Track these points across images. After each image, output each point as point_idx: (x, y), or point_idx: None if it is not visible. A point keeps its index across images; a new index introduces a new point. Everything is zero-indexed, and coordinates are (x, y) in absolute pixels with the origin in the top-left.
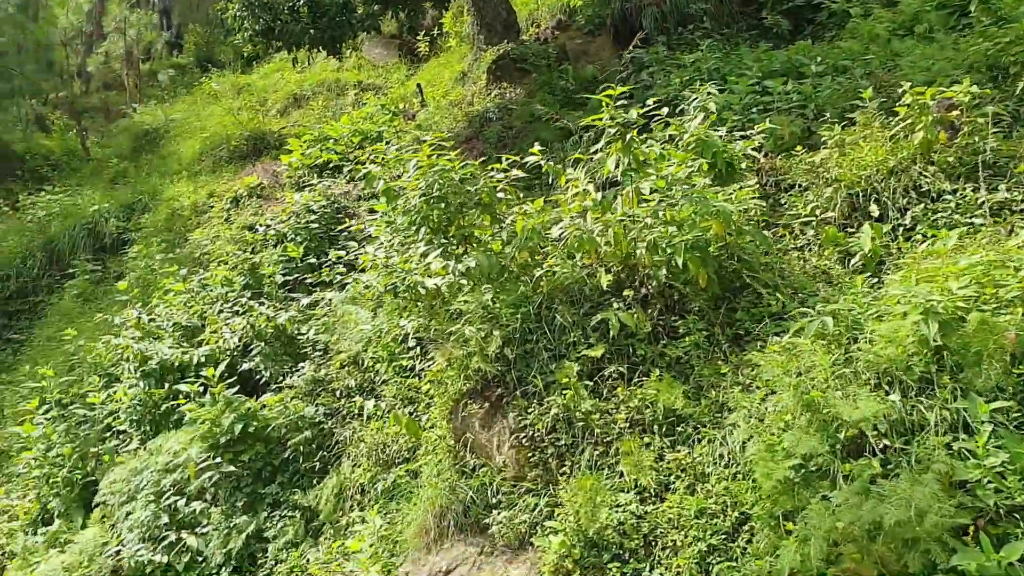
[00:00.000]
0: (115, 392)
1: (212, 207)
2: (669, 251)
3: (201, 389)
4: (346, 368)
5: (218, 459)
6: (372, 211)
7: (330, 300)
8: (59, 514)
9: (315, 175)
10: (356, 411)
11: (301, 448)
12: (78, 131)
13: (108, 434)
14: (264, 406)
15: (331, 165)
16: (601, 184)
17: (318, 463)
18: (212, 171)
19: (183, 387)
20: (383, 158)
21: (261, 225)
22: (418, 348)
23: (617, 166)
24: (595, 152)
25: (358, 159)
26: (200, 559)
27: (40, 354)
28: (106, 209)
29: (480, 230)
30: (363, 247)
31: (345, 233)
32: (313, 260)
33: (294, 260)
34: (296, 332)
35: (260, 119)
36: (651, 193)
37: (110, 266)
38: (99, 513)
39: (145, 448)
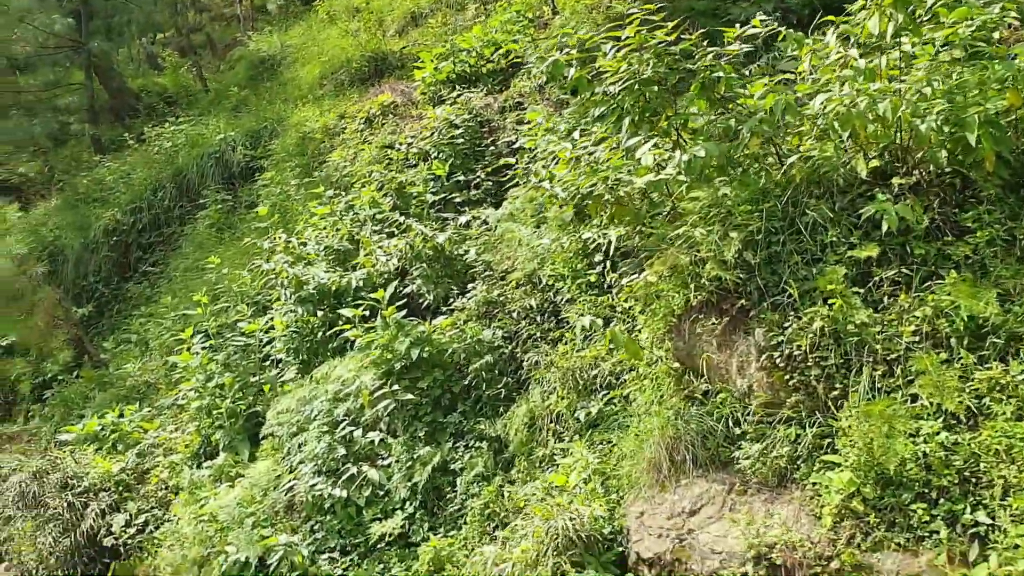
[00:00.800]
0: (270, 320)
1: (345, 128)
2: (951, 129)
3: (366, 314)
4: (522, 288)
5: (395, 387)
6: (521, 122)
7: (486, 218)
8: (224, 447)
9: (449, 89)
10: (540, 333)
11: (483, 374)
12: (192, 65)
13: (266, 363)
14: (437, 330)
15: (466, 79)
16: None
17: (503, 390)
18: (335, 95)
19: (346, 311)
20: (577, 40)
21: (402, 143)
22: (607, 262)
23: (885, 25)
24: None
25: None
26: (381, 493)
27: (179, 285)
28: (232, 137)
29: (693, 120)
30: (516, 161)
31: (492, 148)
32: (461, 177)
33: (439, 178)
34: (453, 252)
35: (380, 39)
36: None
37: (240, 195)
38: (268, 445)
39: (305, 377)
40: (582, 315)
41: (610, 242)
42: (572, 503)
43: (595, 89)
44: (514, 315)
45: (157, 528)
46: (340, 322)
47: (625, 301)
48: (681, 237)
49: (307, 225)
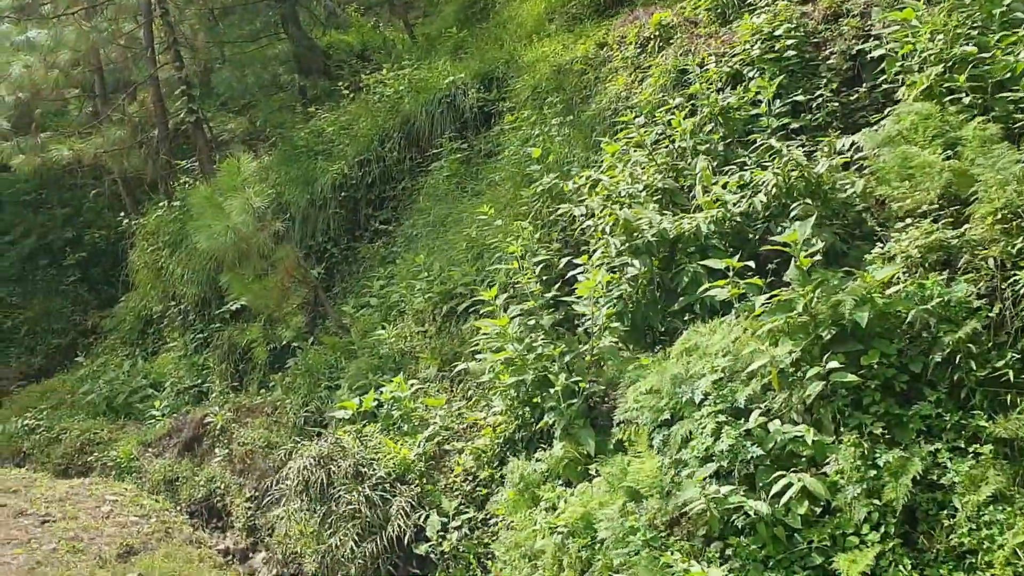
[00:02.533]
0: (591, 277)
1: (611, 57)
2: None
3: (749, 265)
4: (987, 226)
5: (832, 363)
6: (862, 29)
7: (859, 144)
8: (559, 434)
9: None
10: None
11: (971, 347)
12: (396, 15)
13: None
14: (877, 286)
15: None
16: None
17: (1008, 370)
18: (568, 29)
19: (712, 263)
20: None
21: (707, 62)
22: None
23: None
24: None
25: None
26: (821, 510)
27: (425, 242)
28: (461, 80)
29: None
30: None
31: (828, 62)
32: (800, 98)
33: (764, 101)
34: (833, 186)
35: None
36: None
37: (475, 143)
38: (635, 435)
39: (629, 345)
40: None
41: None
42: None
43: None
44: (990, 264)
45: (473, 531)
46: (685, 278)
47: None
48: None
49: (612, 163)
